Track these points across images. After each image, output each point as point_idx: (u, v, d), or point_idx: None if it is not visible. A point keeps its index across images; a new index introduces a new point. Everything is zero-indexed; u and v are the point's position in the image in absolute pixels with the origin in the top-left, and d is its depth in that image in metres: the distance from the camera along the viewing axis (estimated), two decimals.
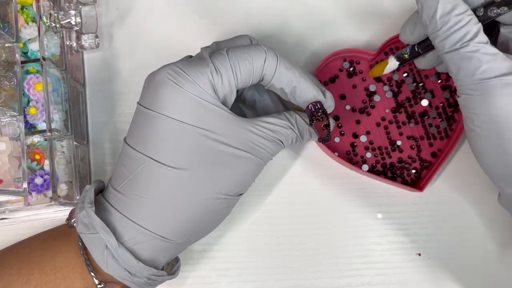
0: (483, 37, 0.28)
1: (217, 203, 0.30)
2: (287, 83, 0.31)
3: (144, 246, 0.30)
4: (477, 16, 0.29)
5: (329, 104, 0.33)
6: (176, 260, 0.34)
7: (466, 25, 0.28)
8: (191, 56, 0.33)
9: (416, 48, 0.34)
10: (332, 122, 0.33)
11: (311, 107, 0.31)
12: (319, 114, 0.31)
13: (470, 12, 0.28)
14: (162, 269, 0.32)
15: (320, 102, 0.31)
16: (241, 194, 0.32)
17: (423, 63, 0.36)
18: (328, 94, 0.33)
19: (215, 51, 0.32)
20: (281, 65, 0.31)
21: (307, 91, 0.31)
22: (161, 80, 0.29)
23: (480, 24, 0.28)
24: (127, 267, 0.29)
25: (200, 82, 0.29)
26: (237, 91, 0.31)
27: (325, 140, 0.33)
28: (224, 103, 0.30)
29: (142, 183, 0.29)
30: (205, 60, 0.30)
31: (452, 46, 0.28)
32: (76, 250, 0.30)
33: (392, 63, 0.36)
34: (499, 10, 0.29)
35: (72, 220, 0.32)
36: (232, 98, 0.30)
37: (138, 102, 0.31)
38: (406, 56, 0.35)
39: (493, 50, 0.28)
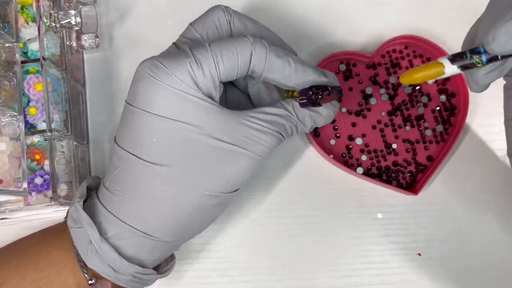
0: None
1: (204, 200, 0.29)
2: (282, 72, 0.29)
3: (128, 242, 0.29)
4: None
5: (332, 81, 0.31)
6: (172, 257, 0.34)
7: None
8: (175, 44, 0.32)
9: (499, 56, 0.25)
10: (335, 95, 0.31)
11: (307, 91, 0.30)
12: (318, 93, 0.29)
13: None
14: (157, 268, 0.32)
15: (315, 86, 0.30)
16: (235, 191, 0.30)
17: (476, 86, 0.28)
18: (329, 73, 0.31)
19: (192, 38, 0.31)
20: (271, 55, 0.29)
21: (305, 74, 0.30)
22: (140, 74, 0.28)
23: None
24: (110, 263, 0.29)
25: (179, 74, 0.27)
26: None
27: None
28: (209, 96, 0.28)
29: (124, 179, 0.29)
30: (186, 52, 0.28)
31: None
32: (70, 246, 0.30)
33: (451, 68, 0.27)
34: None
35: None
36: (217, 91, 0.29)
37: (125, 100, 0.30)
38: (480, 65, 0.26)
39: None
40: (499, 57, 0.25)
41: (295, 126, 0.31)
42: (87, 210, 0.30)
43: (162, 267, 0.33)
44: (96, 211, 0.30)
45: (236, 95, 0.35)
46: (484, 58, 0.25)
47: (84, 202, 0.31)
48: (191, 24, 0.32)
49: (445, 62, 0.27)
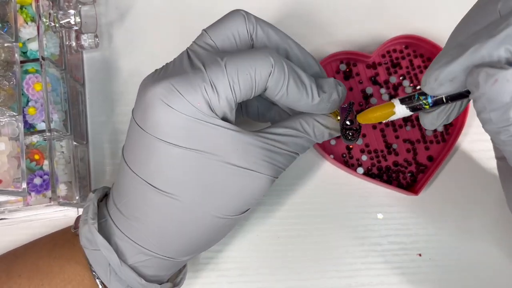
0: None
1: (217, 222, 0.29)
2: (298, 101, 0.28)
3: (146, 263, 0.29)
4: None
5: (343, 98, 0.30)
6: (184, 265, 0.34)
7: None
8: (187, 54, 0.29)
9: (444, 99, 0.25)
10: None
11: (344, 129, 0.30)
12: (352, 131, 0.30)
13: None
14: (168, 280, 0.32)
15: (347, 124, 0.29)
16: (247, 210, 0.30)
17: (430, 120, 0.28)
18: (342, 88, 0.29)
19: (204, 48, 0.28)
20: (290, 82, 0.27)
21: (321, 106, 0.28)
22: (152, 100, 0.26)
23: None
24: (130, 284, 0.29)
25: (194, 101, 0.26)
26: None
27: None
28: (224, 118, 0.27)
29: (139, 206, 0.28)
30: (201, 73, 0.26)
31: None
32: (84, 263, 0.30)
33: (401, 109, 0.27)
34: None
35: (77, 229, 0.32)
36: (233, 112, 0.27)
37: (132, 113, 0.28)
38: (427, 107, 0.26)
39: None
40: (444, 100, 0.25)
41: (312, 143, 0.30)
42: (101, 231, 0.29)
43: (174, 276, 0.33)
44: (111, 233, 0.29)
45: (256, 103, 0.33)
46: (429, 100, 0.26)
47: None
48: (205, 30, 0.29)
49: (396, 103, 0.27)
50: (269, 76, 0.26)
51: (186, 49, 0.29)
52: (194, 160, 0.27)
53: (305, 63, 0.30)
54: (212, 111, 0.26)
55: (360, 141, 0.39)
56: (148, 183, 0.27)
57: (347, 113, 0.29)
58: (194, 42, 0.29)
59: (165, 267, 0.30)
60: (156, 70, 0.28)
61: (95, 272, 0.30)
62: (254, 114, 0.34)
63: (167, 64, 0.29)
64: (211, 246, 0.32)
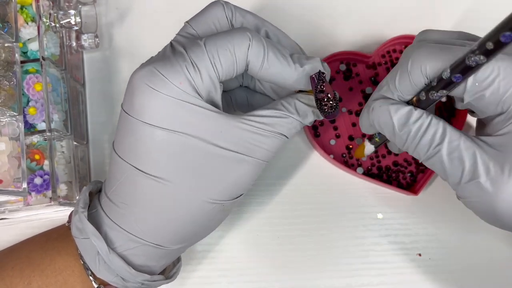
0: (454, 133, 0.27)
1: (208, 208, 0.28)
2: (279, 74, 0.28)
3: (136, 252, 0.29)
4: (421, 101, 0.27)
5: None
6: (178, 259, 0.34)
7: (429, 127, 0.27)
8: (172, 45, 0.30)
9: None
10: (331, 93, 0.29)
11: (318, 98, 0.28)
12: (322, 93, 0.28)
13: (428, 114, 0.27)
14: (163, 272, 0.32)
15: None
16: (239, 196, 0.30)
17: (394, 147, 0.36)
18: (326, 65, 0.30)
19: (186, 37, 0.29)
20: (269, 54, 0.27)
21: (304, 76, 0.28)
22: (136, 83, 0.27)
23: (444, 123, 0.27)
24: (119, 273, 0.29)
25: (176, 81, 0.26)
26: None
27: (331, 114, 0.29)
28: (210, 100, 0.27)
29: (128, 192, 0.28)
30: (182, 55, 0.27)
31: (426, 152, 0.27)
32: (75, 254, 0.30)
33: (369, 147, 0.35)
34: (439, 94, 0.26)
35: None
36: (218, 93, 0.27)
37: (121, 105, 0.29)
38: (377, 139, 0.33)
39: (470, 144, 0.27)
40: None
41: (299, 124, 0.30)
42: (91, 221, 0.29)
43: (168, 270, 0.33)
44: (101, 222, 0.29)
45: (244, 94, 0.34)
46: (377, 135, 0.33)
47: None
48: (188, 22, 0.30)
49: (365, 141, 0.35)
50: (248, 49, 0.27)
51: (170, 41, 0.30)
52: (179, 143, 0.27)
53: (286, 43, 0.31)
54: (196, 92, 0.27)
55: (359, 141, 0.39)
56: (135, 167, 0.27)
57: (317, 82, 0.28)
58: (177, 34, 0.30)
59: (155, 256, 0.30)
60: (142, 64, 0.29)
61: (85, 262, 0.30)
62: (244, 105, 0.34)
63: (152, 57, 0.29)
64: (203, 236, 0.31)
